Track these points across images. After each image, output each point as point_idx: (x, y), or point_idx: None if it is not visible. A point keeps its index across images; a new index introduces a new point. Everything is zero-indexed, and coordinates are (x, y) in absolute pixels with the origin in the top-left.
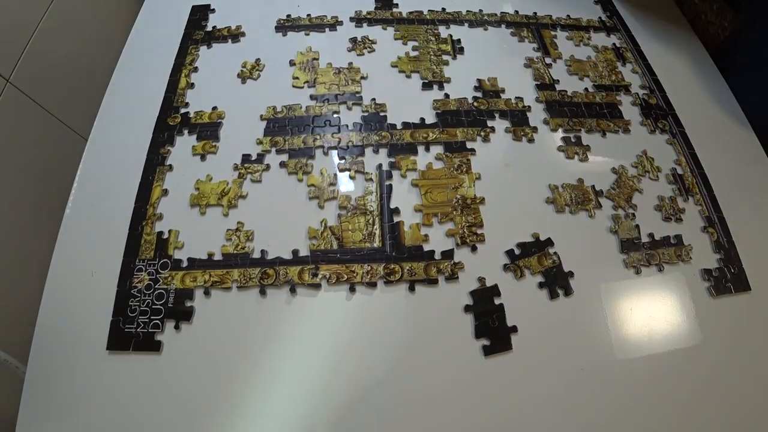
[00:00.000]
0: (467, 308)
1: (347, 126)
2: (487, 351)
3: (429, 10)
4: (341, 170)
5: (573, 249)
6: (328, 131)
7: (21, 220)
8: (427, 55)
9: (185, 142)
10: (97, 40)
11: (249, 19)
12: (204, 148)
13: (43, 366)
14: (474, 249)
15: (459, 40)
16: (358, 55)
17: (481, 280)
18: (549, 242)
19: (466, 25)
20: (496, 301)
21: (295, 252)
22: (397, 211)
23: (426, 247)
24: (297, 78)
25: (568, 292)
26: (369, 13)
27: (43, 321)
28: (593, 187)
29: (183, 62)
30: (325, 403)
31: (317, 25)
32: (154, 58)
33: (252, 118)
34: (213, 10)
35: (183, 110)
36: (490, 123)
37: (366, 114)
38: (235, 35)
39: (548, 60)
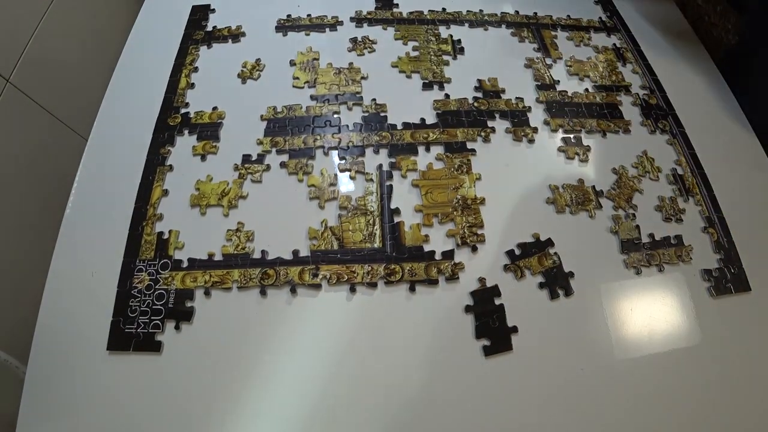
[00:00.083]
0: (468, 308)
1: (348, 126)
2: (488, 351)
3: (429, 10)
4: (342, 170)
5: (573, 249)
6: (328, 131)
7: (21, 220)
8: (427, 55)
9: (185, 142)
10: (97, 40)
11: (249, 19)
12: (204, 148)
13: (43, 366)
14: (474, 249)
15: (459, 41)
16: (358, 55)
17: (482, 280)
18: (549, 242)
19: (467, 25)
20: (497, 302)
21: (295, 252)
22: (397, 211)
23: (426, 248)
24: (297, 78)
25: (568, 292)
26: (369, 13)
27: (43, 321)
28: (593, 187)
29: (183, 62)
30: (326, 403)
31: (317, 25)
32: (154, 58)
33: (252, 118)
34: (213, 10)
35: (183, 110)
36: (490, 123)
37: (366, 114)
38: (235, 35)
39: (548, 60)
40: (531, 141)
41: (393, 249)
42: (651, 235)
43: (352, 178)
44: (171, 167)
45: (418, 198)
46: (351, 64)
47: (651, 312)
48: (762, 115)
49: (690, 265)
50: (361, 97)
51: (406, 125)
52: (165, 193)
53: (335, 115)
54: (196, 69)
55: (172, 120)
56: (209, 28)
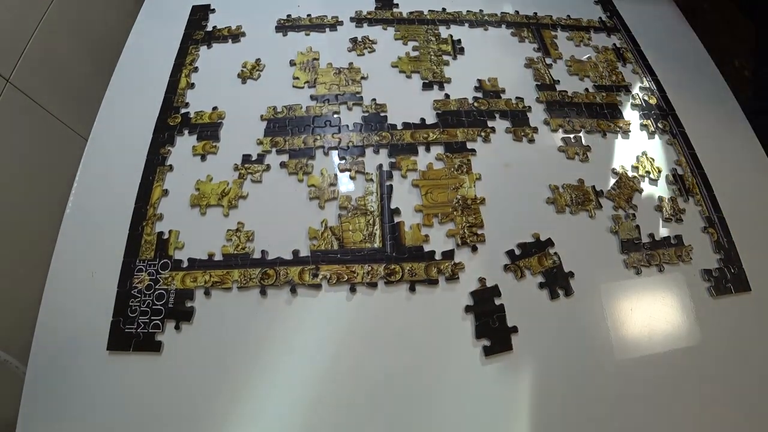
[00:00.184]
0: (468, 309)
1: (347, 126)
2: (488, 351)
3: (429, 11)
4: (342, 170)
5: (573, 249)
6: (328, 131)
7: (21, 220)
8: (427, 55)
9: (185, 142)
10: (97, 40)
11: (249, 19)
12: (204, 148)
13: (43, 366)
14: (474, 249)
15: (459, 41)
16: (358, 55)
17: (482, 280)
18: (549, 242)
19: (467, 25)
20: (497, 302)
21: (295, 252)
22: (397, 211)
23: (426, 248)
24: (297, 78)
25: (568, 292)
26: (369, 13)
27: (43, 321)
28: (593, 187)
29: (183, 62)
30: (326, 403)
31: (317, 25)
32: (154, 58)
33: (252, 118)
34: (213, 10)
35: (183, 110)
36: (490, 123)
37: (366, 114)
38: (235, 35)
39: (548, 60)
40: (531, 141)
41: (393, 249)
42: (651, 235)
43: (352, 178)
44: (171, 167)
45: (418, 198)
46: (351, 64)
47: (651, 312)
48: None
49: (690, 265)
50: (361, 97)
51: (406, 125)
52: (165, 193)
53: (335, 115)
54: (196, 69)
55: (172, 120)
56: (209, 28)
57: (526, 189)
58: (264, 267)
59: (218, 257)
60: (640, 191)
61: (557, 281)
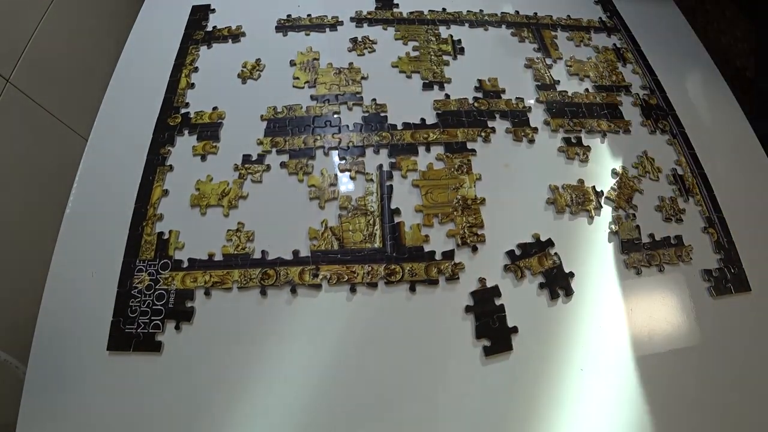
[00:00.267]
0: (468, 309)
1: (348, 126)
2: (488, 351)
3: (429, 11)
4: (342, 171)
5: (573, 249)
6: (328, 131)
7: (21, 220)
8: (427, 55)
9: (185, 142)
10: (97, 40)
11: (249, 19)
12: (204, 148)
13: (43, 366)
14: (474, 249)
15: (459, 41)
16: (358, 55)
17: (482, 280)
18: (549, 243)
19: (467, 25)
20: (497, 302)
21: (295, 252)
22: (397, 211)
23: (426, 248)
24: (297, 78)
25: (568, 292)
26: (369, 13)
27: (43, 321)
28: (594, 187)
29: (183, 62)
30: (326, 403)
31: (318, 25)
32: (154, 58)
33: (252, 118)
34: (213, 10)
35: (183, 110)
36: (490, 123)
37: (366, 114)
38: (235, 35)
39: (549, 61)
40: (531, 141)
41: (393, 249)
42: (651, 236)
43: (352, 178)
44: (171, 167)
45: (419, 198)
46: (351, 64)
47: (651, 312)
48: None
49: (690, 265)
50: (362, 97)
51: (407, 125)
52: (165, 193)
53: (335, 115)
54: (196, 69)
55: (172, 120)
56: (209, 28)
57: (526, 189)
58: (264, 267)
59: (218, 257)
60: (641, 191)
61: (557, 281)
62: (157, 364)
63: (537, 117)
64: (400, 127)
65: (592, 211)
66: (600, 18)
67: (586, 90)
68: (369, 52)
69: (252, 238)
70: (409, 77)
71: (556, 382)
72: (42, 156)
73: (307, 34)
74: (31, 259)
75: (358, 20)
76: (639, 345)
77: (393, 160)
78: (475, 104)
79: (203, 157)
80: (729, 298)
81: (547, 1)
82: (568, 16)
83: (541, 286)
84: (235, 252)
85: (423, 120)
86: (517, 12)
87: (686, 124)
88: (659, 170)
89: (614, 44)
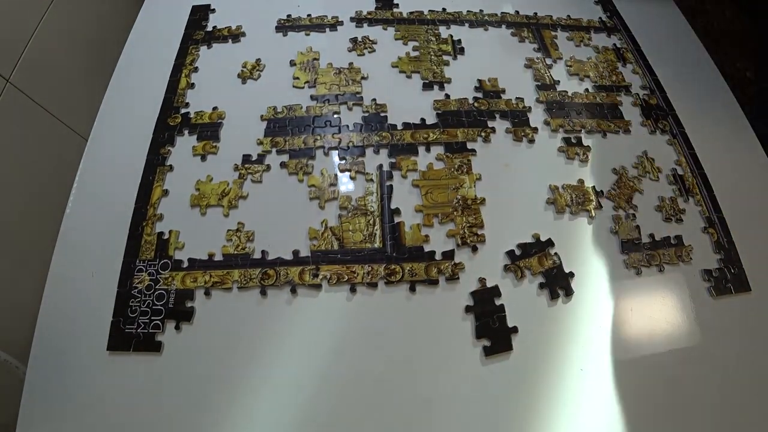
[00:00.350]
0: (468, 309)
1: (348, 126)
2: (488, 351)
3: (429, 11)
4: (342, 171)
5: (573, 249)
6: (328, 131)
7: (21, 220)
8: (427, 55)
9: (185, 142)
10: (97, 40)
11: (249, 19)
12: (204, 148)
13: (43, 366)
14: (474, 249)
15: (459, 41)
16: (358, 55)
17: (482, 280)
18: (549, 243)
19: (467, 25)
20: (497, 302)
21: (295, 252)
22: (397, 211)
23: (426, 248)
24: (297, 78)
25: (568, 292)
26: (369, 13)
27: (43, 321)
28: (594, 187)
29: (183, 62)
30: (326, 403)
31: (318, 25)
32: (154, 58)
33: (252, 118)
34: (213, 10)
35: (183, 110)
36: (490, 123)
37: (366, 114)
38: (235, 35)
39: (549, 61)
40: (531, 141)
41: (393, 249)
42: (651, 236)
43: (352, 178)
44: (171, 167)
45: (419, 198)
46: (351, 64)
47: (651, 312)
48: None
49: (690, 265)
50: (362, 97)
51: (407, 125)
52: (165, 193)
53: (335, 116)
54: (196, 69)
55: (172, 120)
56: (209, 28)
57: (526, 189)
58: (264, 267)
59: (218, 257)
60: (641, 191)
61: (557, 281)
62: (157, 364)
63: (537, 117)
64: (400, 127)
65: (592, 211)
66: (600, 18)
67: (586, 90)
68: (369, 52)
69: (252, 238)
70: (409, 77)
71: (556, 382)
72: (42, 156)
73: (307, 34)
74: (31, 259)
75: (358, 20)
76: (639, 345)
77: (393, 160)
78: (475, 104)
79: (203, 157)
80: (729, 298)
81: (547, 1)
82: (568, 16)
83: (541, 286)
84: (235, 252)
85: (423, 120)
86: (517, 12)
87: (686, 124)
88: (659, 170)
89: (614, 44)
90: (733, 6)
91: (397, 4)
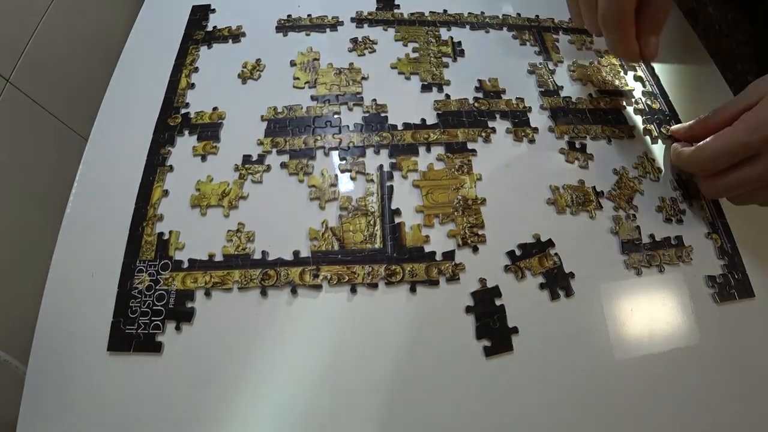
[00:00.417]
0: (468, 309)
1: (348, 127)
2: (488, 352)
3: (430, 12)
4: (342, 171)
5: (574, 250)
6: (329, 132)
7: (21, 220)
8: (426, 57)
9: (186, 142)
10: (97, 40)
11: (249, 19)
12: (205, 148)
13: (43, 366)
14: (475, 250)
15: (459, 42)
16: (359, 55)
17: (482, 281)
18: (550, 243)
19: (468, 27)
20: (497, 302)
21: (296, 253)
22: (398, 212)
23: (427, 248)
24: (298, 78)
25: (569, 293)
26: (370, 13)
27: (43, 321)
28: (594, 188)
29: (183, 62)
30: (326, 404)
31: (318, 25)
32: (154, 58)
33: (253, 118)
34: (213, 10)
35: (183, 111)
36: (491, 124)
37: (367, 115)
38: (235, 35)
39: (551, 65)
40: (531, 141)
41: (394, 250)
42: (651, 236)
43: (352, 178)
44: (171, 167)
45: (419, 198)
46: (351, 64)
47: (651, 313)
48: None
49: (690, 265)
50: (362, 97)
51: (407, 126)
52: (165, 193)
53: (336, 116)
54: (196, 69)
55: (172, 120)
56: (209, 28)
57: (526, 189)
58: (264, 268)
59: (219, 258)
60: (641, 192)
61: (558, 282)
62: (158, 364)
63: (539, 120)
64: (400, 127)
65: (593, 211)
66: None
67: (590, 95)
68: (369, 53)
69: (252, 238)
70: (408, 78)
71: (557, 383)
72: (42, 156)
73: (308, 35)
74: (31, 259)
75: (359, 21)
76: (639, 345)
77: (393, 161)
78: (476, 104)
79: (203, 158)
80: (733, 304)
81: (548, 3)
82: (570, 19)
83: (542, 286)
84: (236, 252)
85: (423, 120)
86: (519, 14)
87: None
88: (659, 170)
89: None
90: (736, 9)
91: (398, 5)
